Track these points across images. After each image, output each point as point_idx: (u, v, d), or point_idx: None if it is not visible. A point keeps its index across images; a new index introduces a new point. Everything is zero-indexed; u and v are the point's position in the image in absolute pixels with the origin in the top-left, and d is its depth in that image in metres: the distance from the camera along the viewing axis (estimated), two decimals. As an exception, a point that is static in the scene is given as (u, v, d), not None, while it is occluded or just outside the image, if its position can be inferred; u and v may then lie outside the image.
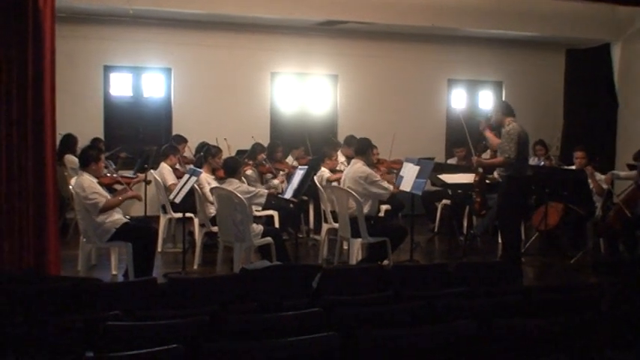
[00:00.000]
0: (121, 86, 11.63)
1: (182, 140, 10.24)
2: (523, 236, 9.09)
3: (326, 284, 5.18)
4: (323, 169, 9.26)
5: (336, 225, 8.24)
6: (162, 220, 8.99)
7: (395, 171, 9.56)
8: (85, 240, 7.40)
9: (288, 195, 7.83)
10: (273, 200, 8.66)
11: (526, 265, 8.42)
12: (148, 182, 8.66)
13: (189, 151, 10.46)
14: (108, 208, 7.15)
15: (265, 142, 10.60)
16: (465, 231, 9.63)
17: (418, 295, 4.75)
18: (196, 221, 8.51)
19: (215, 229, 7.94)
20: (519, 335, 4.02)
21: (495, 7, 11.34)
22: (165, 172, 8.89)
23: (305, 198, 9.47)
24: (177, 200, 7.57)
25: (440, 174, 8.87)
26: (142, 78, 11.70)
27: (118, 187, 8.14)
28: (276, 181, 9.49)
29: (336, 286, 5.26)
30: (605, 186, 9.14)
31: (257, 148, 9.97)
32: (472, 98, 13.56)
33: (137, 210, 9.38)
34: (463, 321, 3.93)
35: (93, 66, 11.14)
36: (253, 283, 5.17)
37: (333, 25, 11.44)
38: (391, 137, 10.19)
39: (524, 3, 11.38)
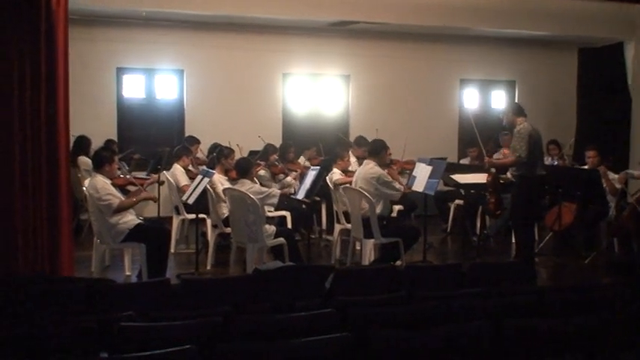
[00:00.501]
0: (133, 88, 11.67)
1: (195, 141, 10.26)
2: (537, 236, 9.05)
3: (339, 285, 5.18)
4: (335, 170, 9.26)
5: (349, 225, 8.24)
6: (176, 221, 9.02)
7: (407, 171, 9.54)
8: (98, 241, 7.44)
9: (300, 195, 7.84)
10: (286, 201, 8.67)
11: (540, 266, 8.38)
12: (161, 183, 8.70)
13: (201, 153, 10.48)
14: (122, 209, 7.18)
15: (277, 143, 10.59)
16: (477, 231, 9.59)
17: (431, 296, 4.74)
18: (209, 222, 8.53)
19: (228, 229, 7.95)
20: (533, 336, 4.00)
21: (507, 7, 11.29)
22: (178, 173, 8.92)
23: (317, 198, 9.46)
24: (190, 201, 7.59)
25: (452, 174, 8.85)
26: (155, 79, 11.74)
27: (131, 188, 8.17)
28: (289, 179, 9.49)
29: (348, 286, 5.25)
30: (618, 185, 9.07)
31: (269, 148, 9.97)
32: (485, 98, 13.52)
33: (150, 211, 9.42)
34: (477, 322, 3.92)
35: (105, 68, 11.19)
36: (266, 283, 5.18)
37: (344, 26, 11.43)
38: (403, 137, 10.17)
39: (537, 2, 11.32)
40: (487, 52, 12.83)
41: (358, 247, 8.24)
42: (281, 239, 7.58)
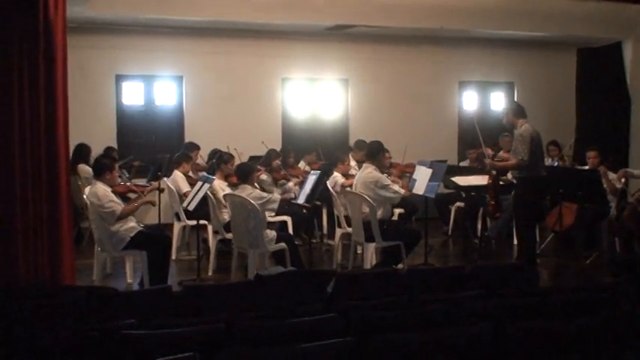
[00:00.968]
0: (133, 95, 11.69)
1: (194, 147, 10.26)
2: (538, 237, 9.04)
3: (340, 289, 5.18)
4: (336, 173, 9.26)
5: (350, 230, 8.23)
6: (177, 228, 9.01)
7: (408, 175, 9.54)
8: (99, 249, 7.43)
9: (300, 200, 7.84)
10: (287, 206, 8.66)
11: (541, 267, 8.36)
12: (161, 190, 8.68)
13: (201, 159, 10.48)
14: (125, 215, 7.19)
15: (277, 148, 10.61)
16: (479, 233, 9.58)
17: (434, 299, 4.73)
18: (210, 228, 8.52)
19: (229, 235, 7.94)
20: (536, 337, 3.99)
21: (505, 8, 11.28)
22: (178, 179, 8.92)
23: (318, 203, 9.45)
24: (191, 208, 7.59)
25: (453, 176, 8.85)
26: (154, 86, 11.76)
27: (131, 195, 8.17)
28: (290, 184, 9.49)
29: (350, 291, 5.25)
30: (618, 185, 9.07)
31: (272, 153, 9.97)
32: (484, 100, 13.52)
33: (151, 218, 9.41)
34: (480, 324, 3.92)
35: (105, 75, 11.21)
36: (268, 289, 5.17)
37: (342, 30, 11.44)
38: (403, 140, 10.18)
39: (534, 3, 11.32)
40: (485, 53, 12.84)
41: (359, 251, 8.25)
42: (282, 244, 7.57)
